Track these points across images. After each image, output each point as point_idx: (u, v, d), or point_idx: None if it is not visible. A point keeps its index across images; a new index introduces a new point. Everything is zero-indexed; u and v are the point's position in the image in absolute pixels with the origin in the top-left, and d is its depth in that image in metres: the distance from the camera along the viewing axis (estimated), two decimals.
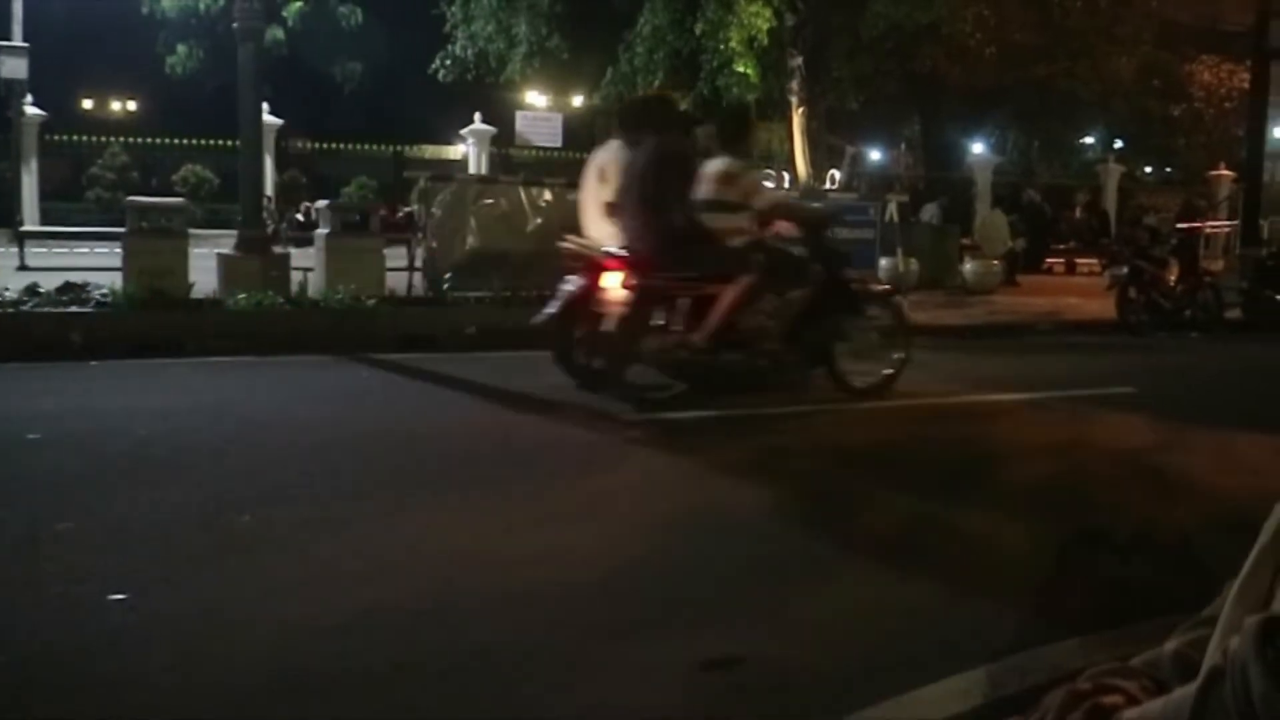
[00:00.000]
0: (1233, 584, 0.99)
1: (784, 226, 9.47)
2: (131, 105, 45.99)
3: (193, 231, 13.67)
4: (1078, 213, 29.06)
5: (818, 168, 20.53)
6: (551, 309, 8.98)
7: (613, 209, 9.01)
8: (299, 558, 4.94)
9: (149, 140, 31.74)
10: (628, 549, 5.21)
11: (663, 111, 9.59)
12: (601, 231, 9.18)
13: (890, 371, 9.39)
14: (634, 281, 8.32)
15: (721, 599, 4.64)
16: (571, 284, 8.85)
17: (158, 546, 5.03)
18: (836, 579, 4.94)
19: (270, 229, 18.10)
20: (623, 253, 8.48)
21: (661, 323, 8.68)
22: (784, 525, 5.77)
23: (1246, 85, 25.20)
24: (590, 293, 8.67)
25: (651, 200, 8.47)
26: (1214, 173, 30.00)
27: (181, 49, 20.69)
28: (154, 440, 7.07)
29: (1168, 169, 40.82)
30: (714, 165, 9.23)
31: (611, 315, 8.53)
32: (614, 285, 8.46)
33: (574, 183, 15.28)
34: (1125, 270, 15.77)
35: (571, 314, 8.91)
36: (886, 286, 10.30)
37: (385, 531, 5.36)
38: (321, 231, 14.10)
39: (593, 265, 8.66)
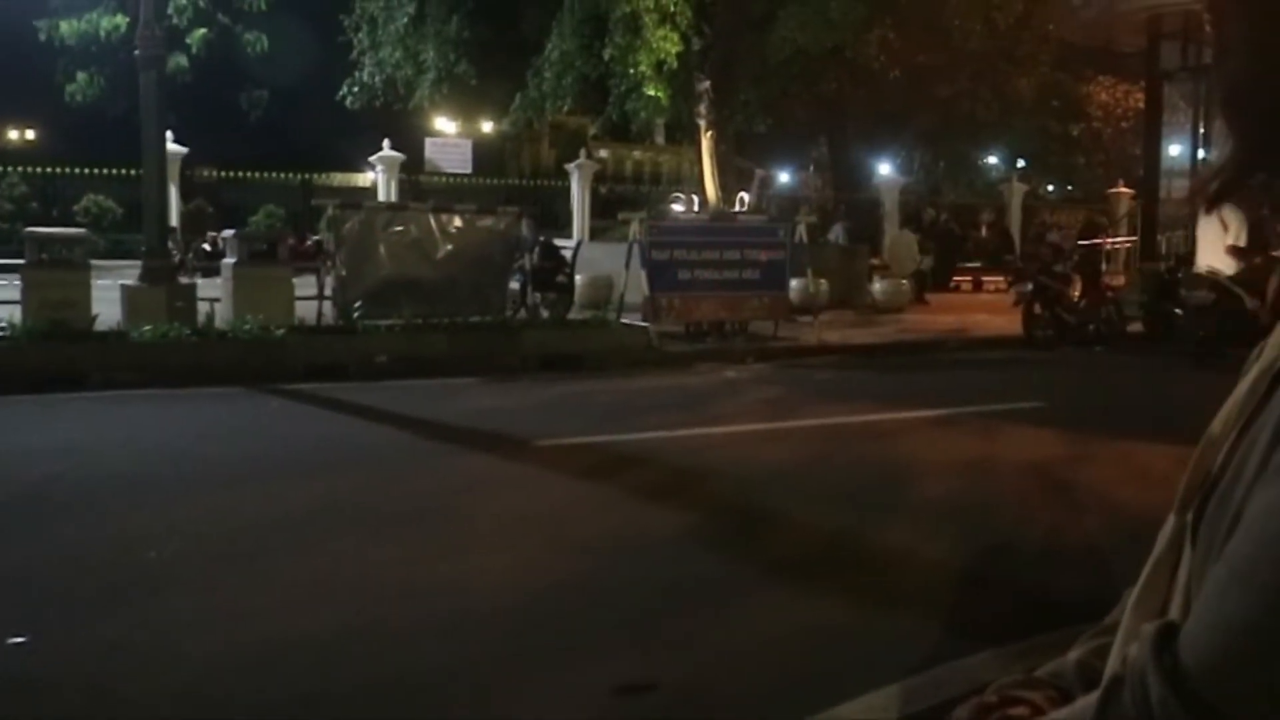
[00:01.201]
0: (1131, 592, 1.01)
1: None
2: (30, 134, 45.07)
3: (95, 262, 13.41)
4: (983, 231, 29.53)
5: (727, 190, 20.63)
6: None
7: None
8: (208, 593, 4.85)
9: (49, 170, 31.12)
10: (542, 575, 5.18)
11: None
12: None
13: None
14: None
15: (637, 623, 4.64)
16: None
17: (61, 586, 4.91)
18: (751, 600, 4.95)
19: (176, 259, 17.80)
20: None
21: None
22: (698, 548, 5.77)
23: (1142, 105, 25.84)
24: None
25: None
26: (1113, 190, 30.63)
27: (82, 77, 20.29)
28: (56, 477, 6.92)
29: (1069, 187, 41.66)
30: None
31: None
32: None
33: (485, 208, 15.31)
34: (1030, 287, 16.04)
35: None
36: None
37: (296, 564, 5.29)
38: (228, 261, 13.90)
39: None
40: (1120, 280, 21.75)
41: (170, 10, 15.63)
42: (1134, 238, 26.38)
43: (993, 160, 40.10)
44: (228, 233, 15.12)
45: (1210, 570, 0.74)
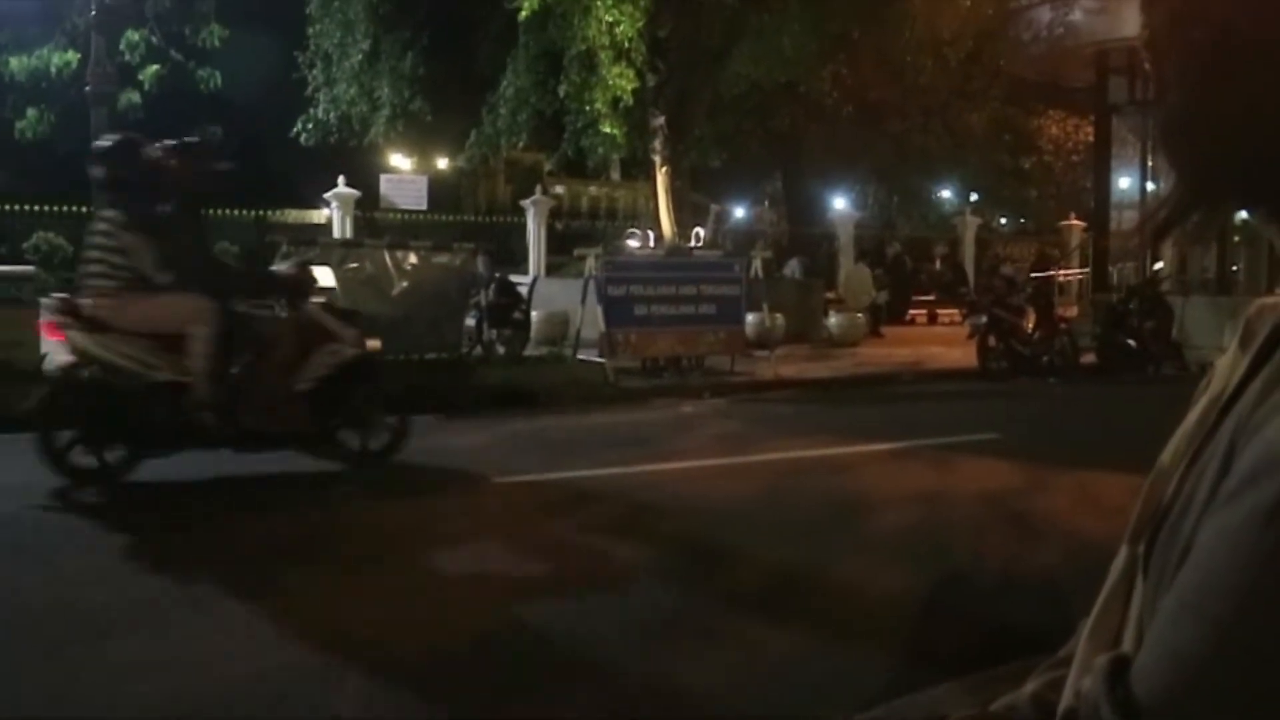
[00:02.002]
0: (1086, 624, 1.01)
1: None
2: None
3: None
4: (937, 264, 29.75)
5: (683, 226, 20.69)
6: None
7: None
8: (153, 638, 4.78)
9: None
10: (499, 613, 5.14)
11: None
12: None
13: None
14: None
15: (596, 659, 4.61)
16: None
17: (1, 635, 4.83)
18: (710, 635, 4.94)
19: None
20: None
21: None
22: (656, 583, 5.76)
23: (1091, 139, 26.18)
24: None
25: None
26: (1065, 223, 30.97)
27: (32, 113, 20.08)
28: (7, 519, 6.81)
29: (1022, 219, 42.06)
30: None
31: None
32: None
33: (441, 245, 15.26)
34: (984, 319, 16.17)
35: None
36: None
37: (246, 607, 5.22)
38: None
39: None
40: (1073, 312, 22.00)
41: (122, 47, 15.54)
42: (1086, 269, 26.70)
43: (946, 194, 40.45)
44: None
45: (1161, 602, 0.74)
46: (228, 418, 7.95)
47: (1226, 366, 0.95)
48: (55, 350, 8.41)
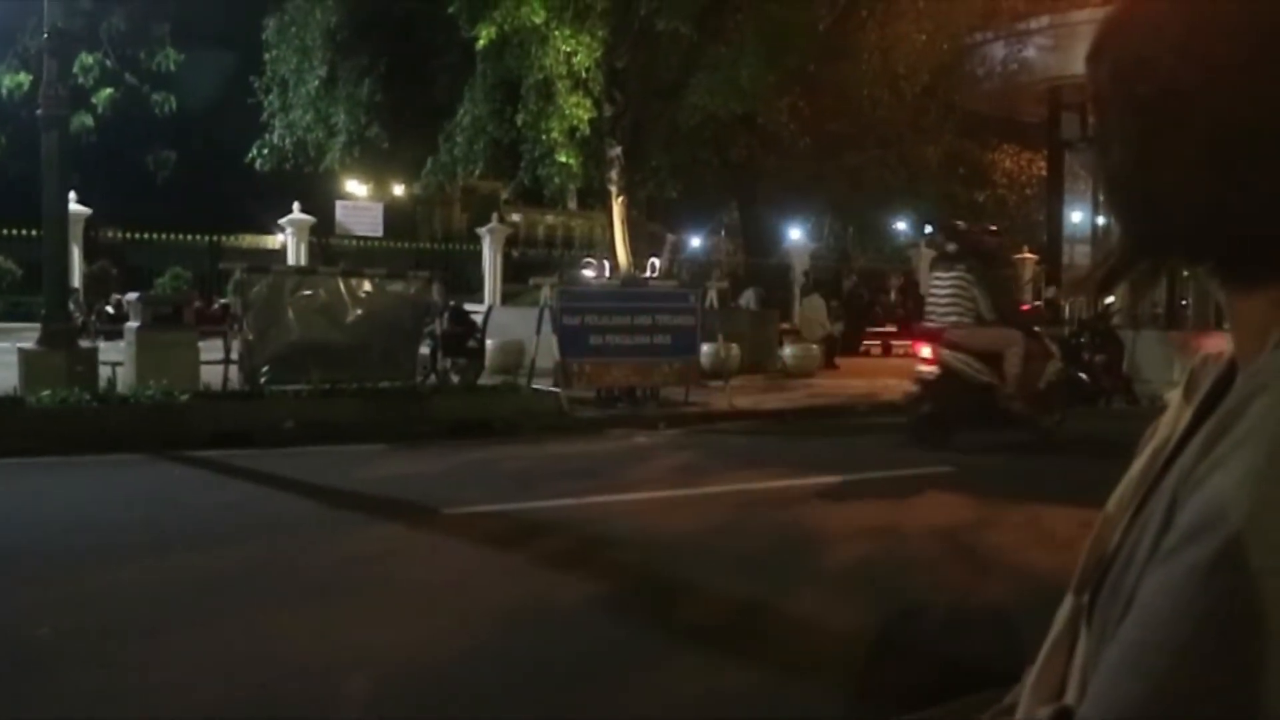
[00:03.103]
0: (1031, 672, 1.00)
1: None
2: None
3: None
4: (893, 295, 29.94)
5: (638, 255, 20.77)
6: None
7: None
8: (106, 670, 4.71)
9: None
10: (449, 646, 5.10)
11: None
12: None
13: None
14: None
15: (546, 693, 4.58)
16: None
17: None
18: (661, 668, 4.92)
19: (78, 322, 17.45)
20: None
21: None
22: (607, 616, 5.73)
23: (1044, 173, 26.48)
24: None
25: None
26: (1018, 256, 31.25)
27: None
28: None
29: None
30: None
31: None
32: None
33: (396, 273, 15.20)
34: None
35: None
36: None
37: (198, 638, 5.15)
38: (132, 324, 13.67)
39: None
40: None
41: (76, 69, 15.41)
42: (1039, 302, 26.92)
43: (901, 226, 40.76)
44: (131, 295, 14.86)
45: (1104, 654, 0.73)
46: (1023, 407, 12.31)
47: (1171, 416, 0.95)
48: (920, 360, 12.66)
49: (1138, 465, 0.94)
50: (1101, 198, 0.88)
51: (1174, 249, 0.84)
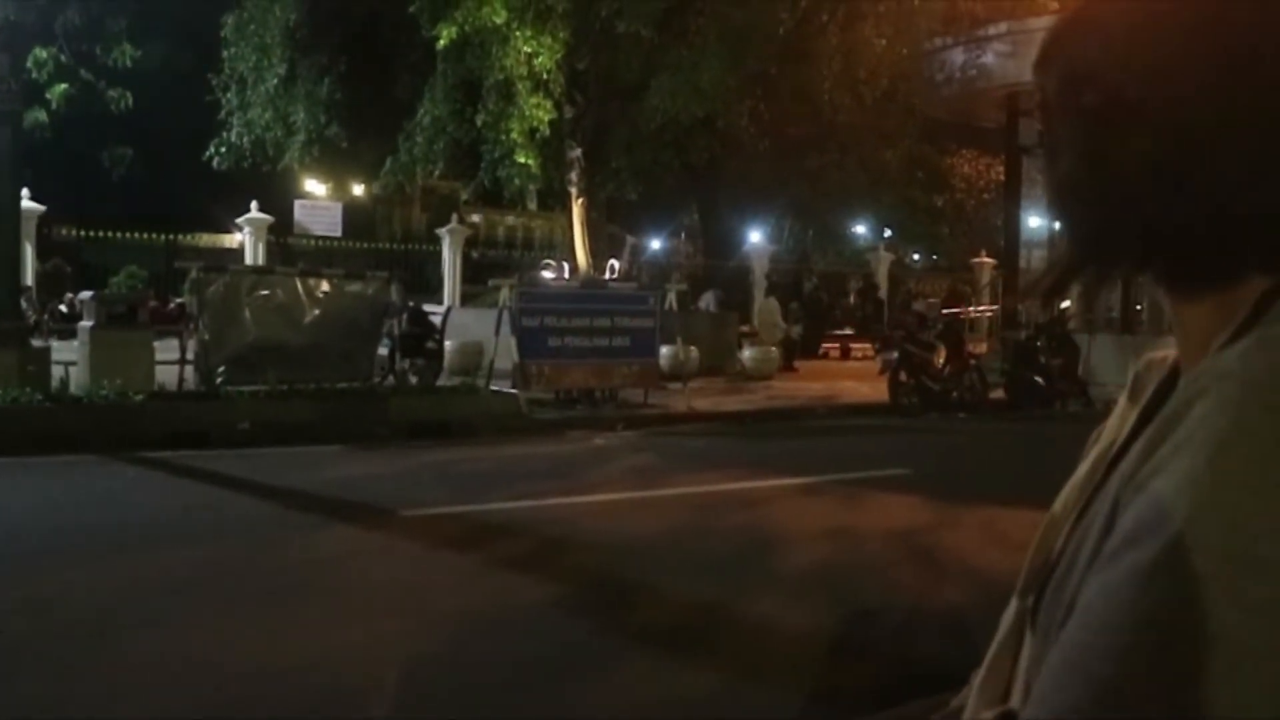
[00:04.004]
0: (978, 675, 1.01)
1: None
2: None
3: None
4: (852, 299, 30.07)
5: (598, 257, 20.77)
6: None
7: None
8: (57, 674, 4.65)
9: None
10: (407, 649, 5.07)
11: None
12: None
13: None
14: None
15: (503, 696, 4.56)
16: None
17: None
18: (619, 671, 4.91)
19: (30, 320, 17.26)
20: None
21: None
22: (565, 619, 5.71)
23: (1002, 178, 26.66)
24: None
25: None
26: (976, 260, 31.47)
27: None
28: None
29: (934, 256, 42.71)
30: None
31: None
32: None
33: (354, 273, 15.12)
34: (896, 354, 16.38)
35: None
36: None
37: (152, 642, 5.10)
38: (85, 324, 13.52)
39: None
40: (983, 348, 22.35)
41: (30, 64, 15.24)
42: (996, 306, 27.14)
43: (860, 229, 40.97)
44: (85, 294, 14.72)
45: (1048, 657, 0.73)
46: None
47: (1117, 420, 0.96)
48: None
49: (1083, 469, 0.95)
50: (1048, 205, 0.89)
51: (1119, 257, 0.85)
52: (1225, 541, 0.64)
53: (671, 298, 16.40)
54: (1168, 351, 0.92)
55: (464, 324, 18.09)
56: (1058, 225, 0.91)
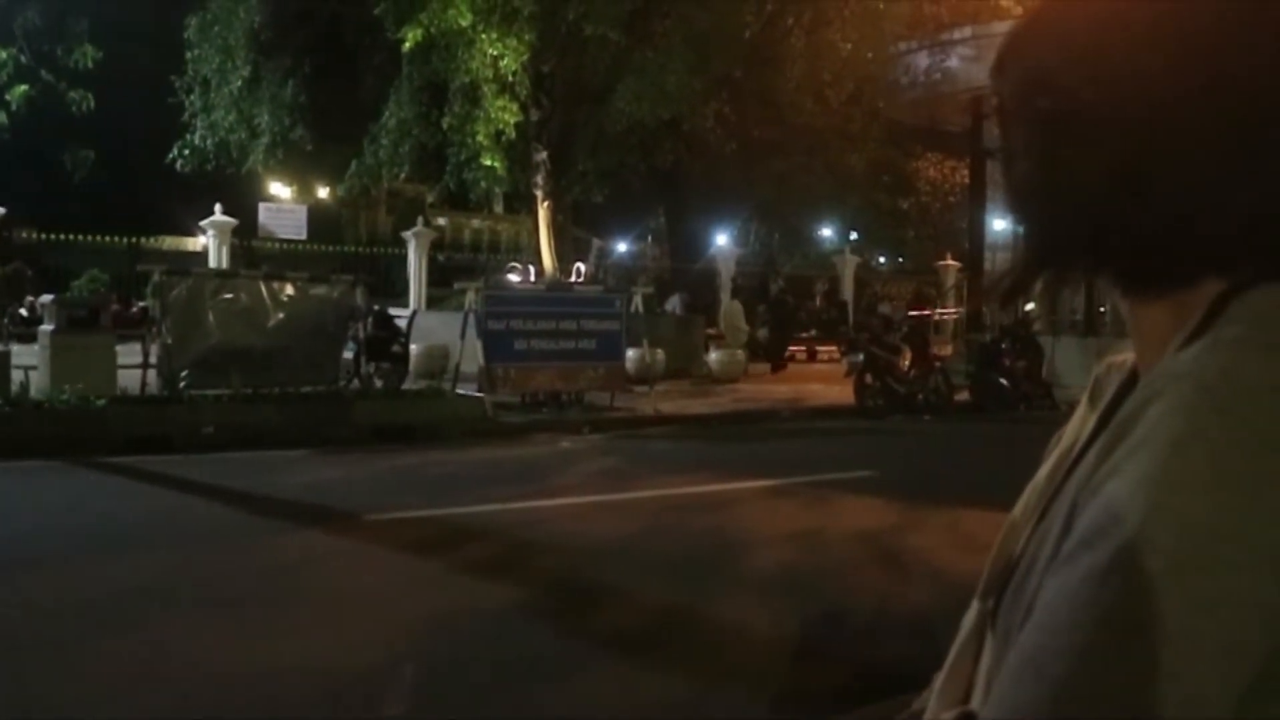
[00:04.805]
0: (939, 676, 1.01)
1: None
2: None
3: None
4: (818, 301, 30.15)
5: (564, 260, 20.75)
6: None
7: None
8: (14, 682, 4.61)
9: None
10: (371, 654, 5.05)
11: None
12: None
13: None
14: None
15: (469, 701, 4.55)
16: None
17: None
18: (586, 675, 4.91)
19: None
20: None
21: None
22: (531, 623, 5.70)
23: (967, 181, 26.83)
24: None
25: None
26: (941, 263, 31.63)
27: None
28: None
29: (900, 258, 42.90)
30: None
31: None
32: None
33: (319, 276, 15.06)
34: (861, 357, 16.43)
35: None
36: None
37: (113, 650, 5.06)
38: (46, 328, 13.41)
39: None
40: (948, 350, 22.48)
41: None
42: (961, 309, 27.30)
43: (826, 232, 41.10)
44: (46, 297, 14.59)
45: (1006, 659, 0.74)
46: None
47: (1076, 423, 0.97)
48: None
49: (1043, 471, 0.96)
50: (1007, 207, 0.90)
51: (1075, 260, 0.85)
52: (1178, 543, 0.64)
53: (638, 300, 16.41)
54: (1128, 354, 0.92)
55: (430, 327, 18.05)
56: (1017, 228, 0.91)
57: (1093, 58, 0.80)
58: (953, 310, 29.04)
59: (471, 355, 14.34)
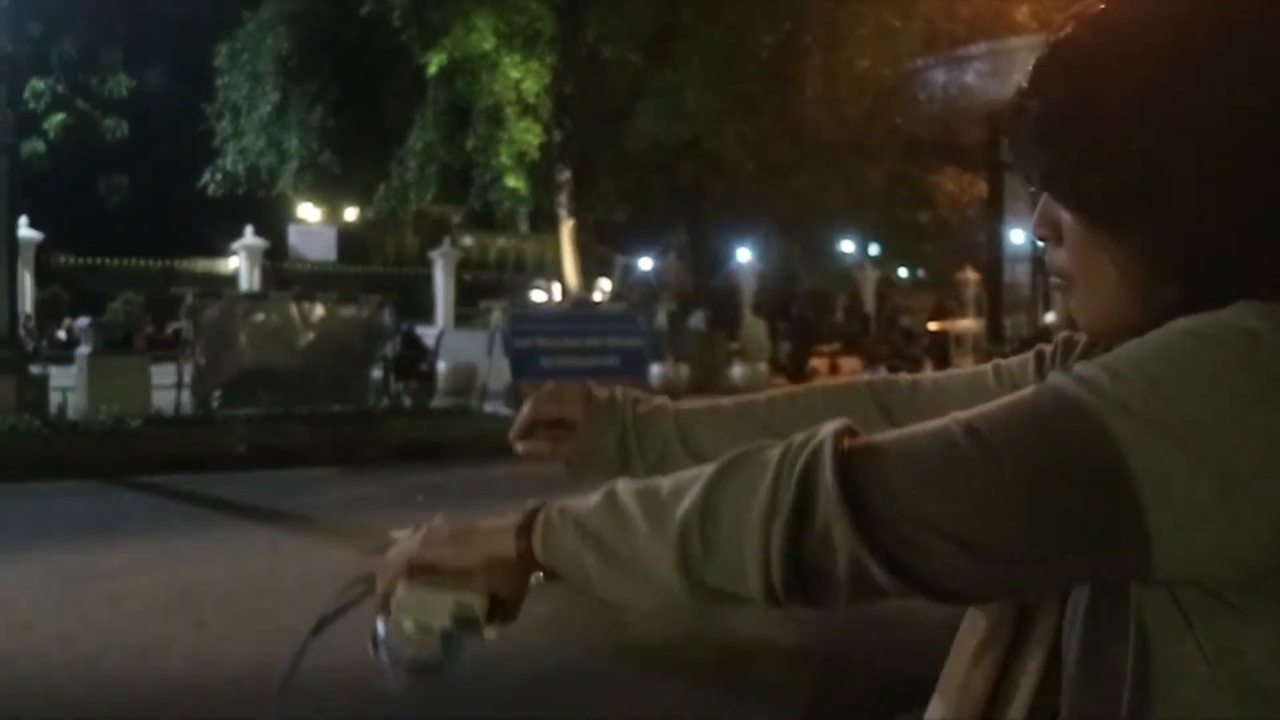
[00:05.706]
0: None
1: None
2: None
3: None
4: (839, 315, 30.17)
5: (587, 278, 20.96)
6: None
7: None
8: (51, 700, 4.80)
9: None
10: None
11: None
12: None
13: None
14: None
15: (493, 714, 4.66)
16: None
17: None
18: (609, 690, 5.04)
19: (29, 348, 17.46)
20: None
21: None
22: (558, 638, 5.73)
23: (985, 194, 26.85)
24: None
25: None
26: (961, 275, 31.56)
27: None
28: None
29: (920, 272, 42.75)
30: None
31: None
32: None
33: (348, 297, 15.32)
34: (883, 369, 16.56)
35: None
36: None
37: (137, 667, 5.23)
38: (83, 350, 13.72)
39: None
40: (969, 362, 22.46)
41: (27, 95, 15.48)
42: (981, 320, 27.30)
43: (846, 247, 41.06)
44: (82, 321, 14.90)
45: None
46: None
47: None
48: None
49: None
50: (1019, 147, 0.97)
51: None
52: (1114, 384, 0.76)
53: (662, 317, 16.60)
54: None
55: (457, 346, 18.23)
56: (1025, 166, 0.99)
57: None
58: (973, 322, 29.05)
59: (498, 373, 14.53)
